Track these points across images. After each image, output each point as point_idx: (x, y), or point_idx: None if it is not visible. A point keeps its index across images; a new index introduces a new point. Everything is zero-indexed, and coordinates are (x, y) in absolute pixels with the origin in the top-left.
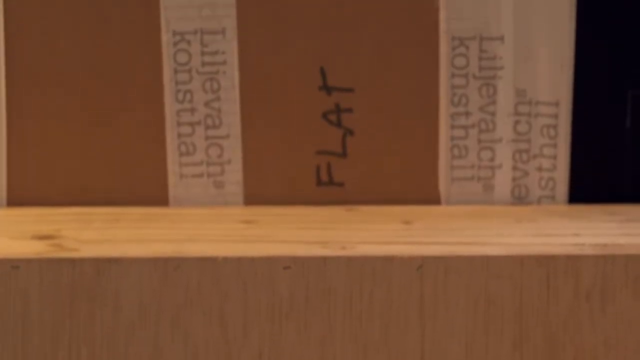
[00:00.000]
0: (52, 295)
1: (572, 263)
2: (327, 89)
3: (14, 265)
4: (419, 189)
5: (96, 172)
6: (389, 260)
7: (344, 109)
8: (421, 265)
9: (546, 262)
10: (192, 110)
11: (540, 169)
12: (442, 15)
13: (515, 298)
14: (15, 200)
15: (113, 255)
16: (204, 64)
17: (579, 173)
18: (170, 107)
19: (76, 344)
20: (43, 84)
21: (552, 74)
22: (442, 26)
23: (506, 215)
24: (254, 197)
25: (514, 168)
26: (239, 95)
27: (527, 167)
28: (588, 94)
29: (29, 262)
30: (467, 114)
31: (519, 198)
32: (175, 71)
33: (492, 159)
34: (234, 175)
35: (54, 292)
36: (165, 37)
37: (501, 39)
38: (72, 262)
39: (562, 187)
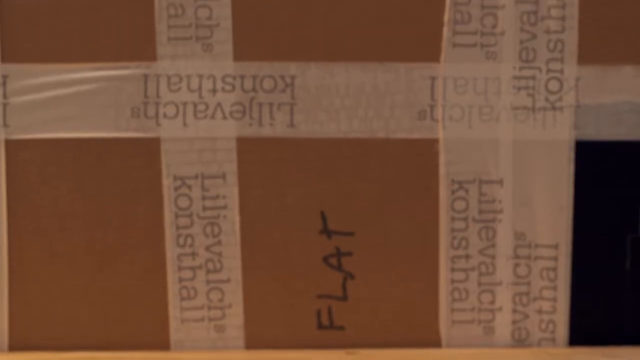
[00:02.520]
0: None
1: None
2: (327, 232)
3: None
4: (419, 332)
5: (97, 316)
6: None
7: (344, 253)
8: None
9: None
10: (193, 255)
11: (540, 311)
12: (442, 159)
13: None
14: (16, 344)
15: None
16: (204, 208)
17: (579, 315)
18: (171, 251)
19: None
20: (44, 229)
21: (551, 217)
22: (442, 170)
23: (506, 358)
24: (255, 340)
25: (514, 311)
26: (240, 240)
27: (527, 309)
28: (587, 236)
29: None
30: (467, 257)
31: (519, 340)
32: (176, 216)
33: (492, 302)
34: (235, 319)
35: None
36: (166, 182)
37: (500, 182)
38: None
39: (563, 329)
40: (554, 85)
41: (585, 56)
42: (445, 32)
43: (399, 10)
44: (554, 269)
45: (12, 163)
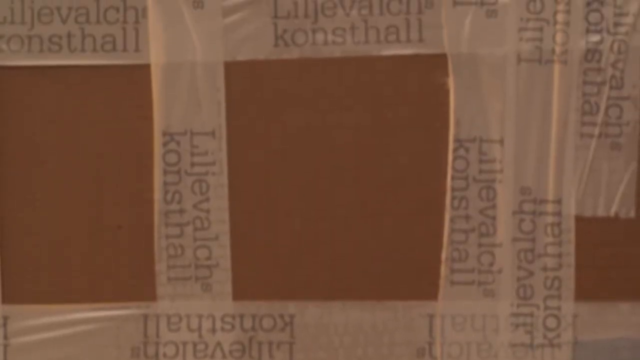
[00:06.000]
0: None
1: None
2: None
3: None
4: None
5: None
6: None
7: None
8: None
9: None
10: None
11: None
12: None
13: None
14: None
15: None
16: None
17: None
18: None
19: None
20: None
21: None
22: None
23: None
24: None
25: None
26: None
27: None
28: None
29: None
30: None
31: None
32: None
33: None
34: None
35: None
36: None
37: None
38: None
39: None
40: (551, 322)
41: (582, 293)
42: (443, 270)
43: (396, 248)
44: None
45: None
